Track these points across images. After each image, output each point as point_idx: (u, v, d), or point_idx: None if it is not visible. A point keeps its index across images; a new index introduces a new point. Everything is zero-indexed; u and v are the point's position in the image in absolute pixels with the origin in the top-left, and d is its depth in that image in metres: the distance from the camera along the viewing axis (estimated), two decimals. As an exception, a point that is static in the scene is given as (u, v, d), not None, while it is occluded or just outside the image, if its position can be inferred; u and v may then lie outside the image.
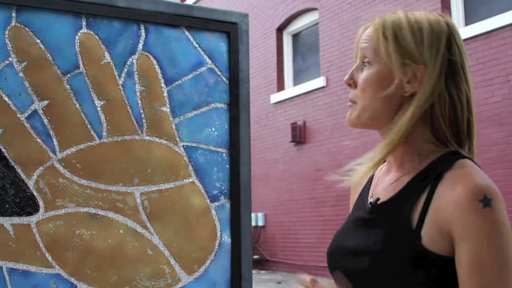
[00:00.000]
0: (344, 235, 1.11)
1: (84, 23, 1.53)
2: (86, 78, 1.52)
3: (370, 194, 1.12)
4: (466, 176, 0.97)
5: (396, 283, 0.97)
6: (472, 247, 0.93)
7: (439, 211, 0.97)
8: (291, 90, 10.87)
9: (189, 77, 1.63)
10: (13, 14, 1.46)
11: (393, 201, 1.04)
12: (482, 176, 0.97)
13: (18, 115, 1.45)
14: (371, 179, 1.18)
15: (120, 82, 1.55)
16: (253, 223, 11.19)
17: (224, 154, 1.64)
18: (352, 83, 1.10)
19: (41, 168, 1.46)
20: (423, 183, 1.02)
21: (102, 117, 1.53)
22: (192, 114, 1.63)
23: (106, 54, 1.54)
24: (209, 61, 1.66)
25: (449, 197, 0.96)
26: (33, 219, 1.44)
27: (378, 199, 1.07)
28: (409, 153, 1.07)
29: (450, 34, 1.06)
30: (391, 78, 1.05)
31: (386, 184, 1.10)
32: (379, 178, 1.14)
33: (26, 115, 1.45)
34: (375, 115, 1.07)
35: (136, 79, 1.57)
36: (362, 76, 1.07)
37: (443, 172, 1.01)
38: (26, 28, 1.47)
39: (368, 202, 1.10)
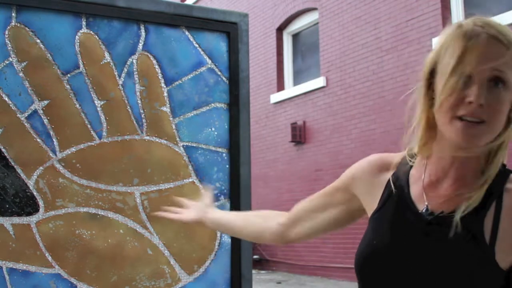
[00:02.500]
0: (388, 241, 1.08)
1: (84, 23, 1.53)
2: (86, 78, 1.52)
3: (425, 203, 1.10)
4: None
5: None
6: None
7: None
8: (291, 90, 10.87)
9: (189, 77, 1.63)
10: (13, 14, 1.46)
11: (459, 215, 1.04)
12: None
13: (18, 115, 1.45)
14: (398, 182, 1.16)
15: (120, 82, 1.55)
16: (253, 223, 11.15)
17: (224, 154, 1.64)
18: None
19: (41, 168, 1.46)
20: (489, 198, 1.03)
21: (102, 117, 1.53)
22: (192, 114, 1.62)
23: (106, 54, 1.54)
24: (209, 61, 1.66)
25: None
26: (33, 219, 1.44)
27: (442, 211, 1.06)
28: (475, 169, 1.08)
29: None
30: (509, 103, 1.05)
31: (444, 196, 1.08)
32: (426, 189, 1.12)
33: (26, 115, 1.45)
34: (493, 137, 1.05)
35: (136, 79, 1.57)
36: (501, 100, 1.02)
37: (503, 186, 1.03)
38: (26, 28, 1.47)
39: (424, 210, 1.08)
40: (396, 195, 1.15)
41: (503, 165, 1.07)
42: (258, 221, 1.33)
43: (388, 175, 1.18)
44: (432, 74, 1.09)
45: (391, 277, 1.07)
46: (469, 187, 1.07)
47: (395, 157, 1.22)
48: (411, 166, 1.18)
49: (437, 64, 1.09)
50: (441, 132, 1.09)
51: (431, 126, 1.13)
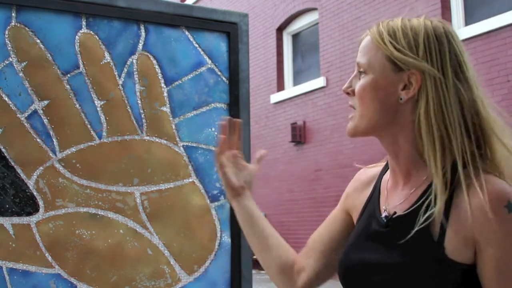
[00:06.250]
0: (359, 250, 1.09)
1: (84, 23, 1.53)
2: (86, 78, 1.52)
3: (383, 208, 1.10)
4: (484, 185, 0.96)
5: None
6: (499, 253, 0.94)
7: (461, 220, 0.97)
8: (291, 90, 10.87)
9: (189, 77, 1.63)
10: (13, 14, 1.46)
11: (410, 214, 1.03)
12: (501, 182, 0.97)
13: (18, 115, 1.45)
14: (374, 191, 1.17)
15: (120, 82, 1.55)
16: (253, 223, 11.17)
17: (224, 154, 1.64)
18: (351, 91, 1.10)
19: (41, 168, 1.45)
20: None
21: (102, 117, 1.53)
22: (192, 114, 1.62)
23: (106, 54, 1.54)
24: (209, 61, 1.66)
25: (471, 204, 0.96)
26: (33, 219, 1.44)
27: (395, 212, 1.06)
28: (417, 164, 1.06)
29: (449, 39, 1.06)
30: (386, 86, 1.04)
31: (399, 198, 1.08)
32: (389, 192, 1.12)
33: (26, 115, 1.45)
34: (372, 123, 1.07)
35: (136, 79, 1.57)
36: (358, 85, 1.08)
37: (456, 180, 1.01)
38: (26, 28, 1.47)
39: (383, 216, 1.09)
40: (372, 204, 1.16)
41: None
42: (284, 243, 1.27)
43: (371, 187, 1.20)
44: None
45: (362, 282, 1.08)
46: (418, 184, 1.07)
47: (379, 167, 1.24)
48: (385, 173, 1.20)
49: None
50: None
51: None
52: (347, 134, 1.11)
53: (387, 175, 1.16)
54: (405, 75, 1.03)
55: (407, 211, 1.04)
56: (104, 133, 1.52)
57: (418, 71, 1.02)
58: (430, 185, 1.03)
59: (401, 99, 1.04)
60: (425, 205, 1.00)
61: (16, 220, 1.42)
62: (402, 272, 0.99)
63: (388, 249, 1.03)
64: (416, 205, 1.03)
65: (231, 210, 1.63)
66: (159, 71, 1.60)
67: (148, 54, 1.59)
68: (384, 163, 1.21)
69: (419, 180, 1.06)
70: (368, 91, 1.05)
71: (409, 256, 0.99)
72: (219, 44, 1.67)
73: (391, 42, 1.04)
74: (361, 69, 1.07)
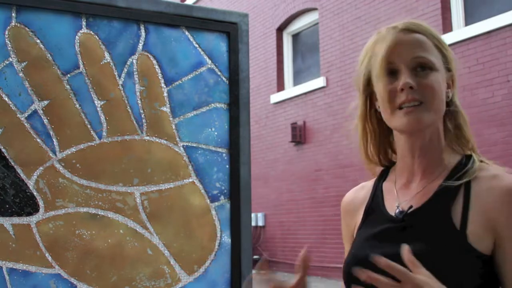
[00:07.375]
0: (368, 249, 1.09)
1: (84, 23, 1.53)
2: (86, 78, 1.52)
3: (395, 205, 1.12)
4: (503, 177, 1.03)
5: (444, 283, 0.97)
6: None
7: (482, 211, 1.01)
8: (291, 90, 10.87)
9: (189, 77, 1.63)
10: (13, 14, 1.46)
11: (428, 206, 1.06)
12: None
13: (18, 115, 1.45)
14: (372, 199, 1.18)
15: (120, 82, 1.55)
16: (253, 223, 11.20)
17: (224, 154, 1.64)
18: (414, 85, 1.11)
19: (41, 168, 1.46)
20: (455, 185, 1.06)
21: (102, 117, 1.53)
22: (192, 114, 1.63)
23: (106, 54, 1.54)
24: (209, 61, 1.66)
25: (491, 197, 1.01)
26: (33, 219, 1.44)
27: (411, 206, 1.08)
28: (437, 160, 1.10)
29: None
30: (443, 83, 1.13)
31: (413, 193, 1.11)
32: (399, 191, 1.14)
33: (26, 115, 1.45)
34: (437, 117, 1.13)
35: (136, 79, 1.57)
36: (431, 80, 1.10)
37: (472, 174, 1.07)
38: (26, 28, 1.47)
39: (397, 212, 1.10)
40: (372, 211, 1.18)
41: (470, 155, 1.10)
42: None
43: (366, 201, 1.22)
44: (369, 84, 1.17)
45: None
46: (434, 178, 1.10)
47: (370, 181, 1.26)
48: (384, 180, 1.22)
49: (371, 73, 1.16)
50: (394, 131, 1.15)
51: (379, 134, 1.19)
52: (413, 124, 1.08)
53: (389, 180, 1.18)
54: (449, 75, 1.14)
55: (424, 203, 1.07)
56: (104, 133, 1.52)
57: (453, 72, 1.15)
58: (446, 179, 1.07)
59: (448, 97, 1.15)
60: (442, 196, 1.04)
61: (16, 220, 1.42)
62: (425, 263, 1.00)
63: (405, 242, 1.04)
64: (434, 197, 1.06)
65: (231, 210, 1.63)
66: (159, 71, 1.60)
67: (148, 54, 1.59)
68: (375, 178, 1.23)
69: (434, 176, 1.09)
70: (438, 87, 1.11)
71: (431, 246, 1.01)
72: (219, 44, 1.67)
73: (443, 46, 1.14)
74: (429, 65, 1.11)
